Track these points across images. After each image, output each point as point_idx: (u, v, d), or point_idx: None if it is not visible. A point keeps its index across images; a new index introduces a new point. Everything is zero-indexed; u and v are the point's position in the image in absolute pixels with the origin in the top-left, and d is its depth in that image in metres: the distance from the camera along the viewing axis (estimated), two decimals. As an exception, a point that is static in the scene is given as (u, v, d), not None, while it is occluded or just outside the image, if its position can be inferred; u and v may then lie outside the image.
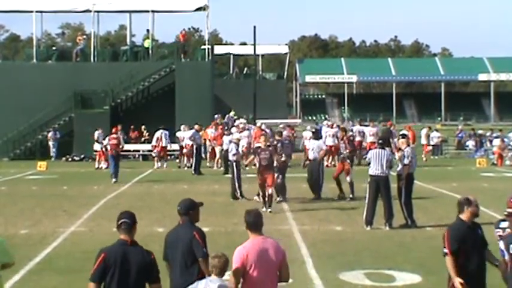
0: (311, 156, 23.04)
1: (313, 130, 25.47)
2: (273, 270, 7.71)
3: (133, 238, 7.56)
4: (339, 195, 22.57)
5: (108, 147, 29.31)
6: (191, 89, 41.43)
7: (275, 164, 20.11)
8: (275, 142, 22.13)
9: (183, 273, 8.11)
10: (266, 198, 19.85)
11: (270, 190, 19.70)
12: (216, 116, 38.59)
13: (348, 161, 22.72)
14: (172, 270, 8.24)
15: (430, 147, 40.94)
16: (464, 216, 8.66)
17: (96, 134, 35.88)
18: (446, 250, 8.57)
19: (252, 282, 7.57)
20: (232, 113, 47.34)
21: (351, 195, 22.27)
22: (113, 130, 30.71)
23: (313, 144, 23.12)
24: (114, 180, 27.94)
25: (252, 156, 20.59)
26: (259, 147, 20.00)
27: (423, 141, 40.75)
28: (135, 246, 7.49)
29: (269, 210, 19.40)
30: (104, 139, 32.41)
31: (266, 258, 7.63)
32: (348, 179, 22.37)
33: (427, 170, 31.92)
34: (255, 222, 7.81)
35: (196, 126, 33.32)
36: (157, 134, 34.70)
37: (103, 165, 34.50)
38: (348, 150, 22.76)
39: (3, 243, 7.95)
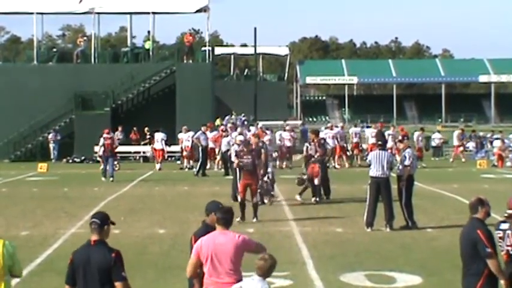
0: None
1: (316, 131, 25.24)
2: (230, 264, 7.87)
3: (104, 238, 7.49)
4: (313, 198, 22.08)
5: (102, 148, 30.03)
6: (192, 90, 41.40)
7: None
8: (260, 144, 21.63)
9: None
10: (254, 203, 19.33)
11: (254, 199, 18.71)
12: (227, 117, 38.64)
13: (319, 164, 22.19)
14: None
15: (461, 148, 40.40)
16: (480, 216, 8.55)
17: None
18: (489, 250, 8.22)
19: (208, 273, 7.88)
20: (234, 114, 47.38)
21: (316, 199, 21.85)
22: (106, 131, 31.05)
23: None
24: (111, 179, 28.71)
25: (237, 161, 19.73)
26: (242, 150, 19.20)
27: (455, 142, 40.54)
28: (98, 246, 7.44)
29: (254, 219, 18.32)
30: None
31: (220, 253, 7.84)
32: (316, 181, 21.88)
33: (427, 171, 31.91)
34: (222, 218, 8.06)
35: (203, 128, 33.46)
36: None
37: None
38: (318, 154, 22.17)
39: (14, 249, 7.96)
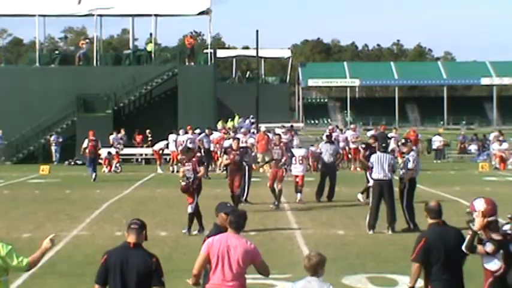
0: (326, 159, 23.08)
1: (328, 134, 25.21)
2: (237, 268, 7.87)
3: (140, 242, 7.55)
4: (275, 203, 21.62)
5: (87, 150, 31.26)
6: (194, 93, 41.42)
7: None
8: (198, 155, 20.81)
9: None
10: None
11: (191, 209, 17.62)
12: (240, 119, 38.76)
13: (284, 168, 21.96)
14: None
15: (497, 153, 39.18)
16: None
17: (111, 138, 36.34)
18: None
19: (214, 274, 7.91)
20: (238, 117, 47.42)
21: (276, 203, 21.51)
22: (90, 133, 31.68)
23: (329, 148, 23.18)
24: (94, 176, 30.36)
25: (225, 157, 20.61)
26: (184, 158, 18.79)
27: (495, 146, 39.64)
28: (137, 249, 7.48)
29: (195, 231, 17.32)
30: (118, 143, 36.20)
31: (230, 255, 7.86)
32: (279, 186, 21.51)
33: (429, 173, 31.90)
34: (235, 222, 8.05)
35: (206, 130, 33.59)
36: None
37: (114, 168, 35.18)
38: (285, 158, 21.84)
39: (8, 250, 7.92)
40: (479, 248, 8.17)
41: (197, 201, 17.35)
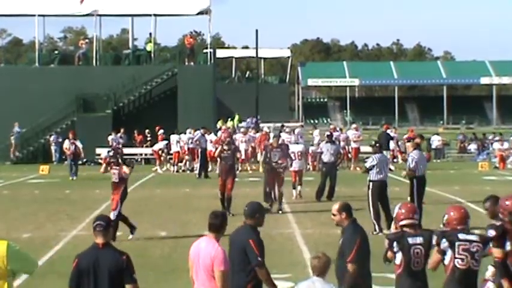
0: (326, 159, 23.07)
1: (328, 133, 25.21)
2: (207, 273, 7.81)
3: (108, 241, 7.51)
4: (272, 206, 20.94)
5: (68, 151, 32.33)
6: (193, 92, 41.41)
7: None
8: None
9: (235, 275, 8.22)
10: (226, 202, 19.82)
11: (112, 214, 16.33)
12: (248, 119, 39.03)
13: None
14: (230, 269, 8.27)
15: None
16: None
17: (110, 138, 36.33)
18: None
19: (195, 278, 7.95)
20: (238, 117, 47.38)
21: (270, 205, 20.70)
22: (70, 135, 32.66)
23: (330, 148, 23.18)
24: (75, 178, 31.35)
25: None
26: (111, 158, 17.89)
27: None
28: (107, 249, 7.43)
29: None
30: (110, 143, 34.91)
31: (199, 259, 7.87)
32: (280, 189, 20.96)
33: (429, 173, 31.81)
34: (209, 224, 8.03)
35: (201, 130, 33.62)
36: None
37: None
38: (281, 161, 21.23)
39: (18, 251, 7.83)
40: (388, 253, 8.60)
41: (120, 207, 16.68)
